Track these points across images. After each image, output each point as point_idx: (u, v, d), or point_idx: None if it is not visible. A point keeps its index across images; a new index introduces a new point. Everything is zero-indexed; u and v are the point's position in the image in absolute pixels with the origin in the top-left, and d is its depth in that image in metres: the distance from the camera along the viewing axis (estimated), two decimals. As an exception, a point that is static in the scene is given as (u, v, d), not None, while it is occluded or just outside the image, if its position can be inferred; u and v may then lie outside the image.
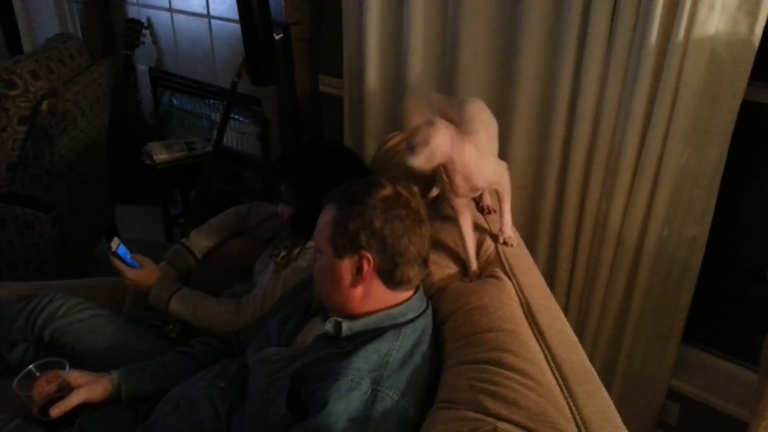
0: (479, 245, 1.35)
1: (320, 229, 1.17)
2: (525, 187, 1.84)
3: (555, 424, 0.87)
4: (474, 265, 1.32)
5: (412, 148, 1.15)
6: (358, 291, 1.13)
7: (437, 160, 1.17)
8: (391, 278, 1.13)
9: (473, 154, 1.20)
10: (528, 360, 1.00)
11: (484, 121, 1.31)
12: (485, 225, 1.40)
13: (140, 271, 1.62)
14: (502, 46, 1.86)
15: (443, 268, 1.35)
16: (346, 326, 1.12)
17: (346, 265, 1.13)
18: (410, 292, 1.18)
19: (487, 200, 1.46)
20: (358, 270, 1.12)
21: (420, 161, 1.15)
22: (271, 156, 2.78)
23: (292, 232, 1.66)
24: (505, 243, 1.36)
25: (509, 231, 1.37)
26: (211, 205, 2.64)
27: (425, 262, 1.18)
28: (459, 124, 1.24)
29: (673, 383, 1.90)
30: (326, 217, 1.16)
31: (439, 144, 1.15)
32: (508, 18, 1.81)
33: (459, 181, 1.24)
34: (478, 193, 1.36)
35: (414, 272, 1.15)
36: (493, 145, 1.32)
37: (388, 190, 1.13)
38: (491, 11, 1.83)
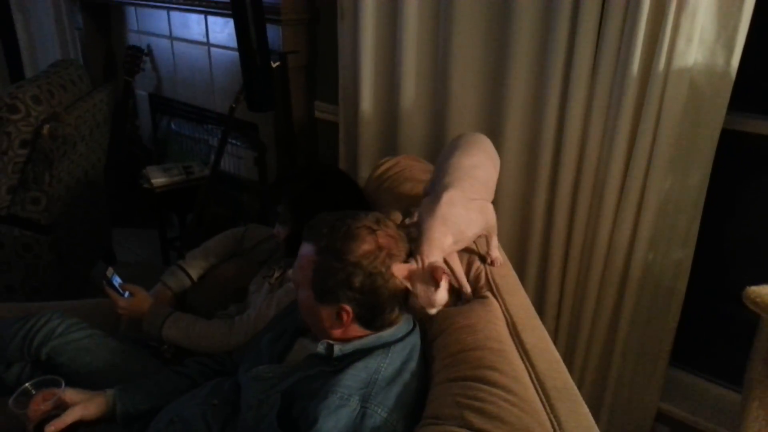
0: (468, 267, 1.38)
1: (301, 266, 1.16)
2: None
3: (537, 438, 0.90)
4: (468, 289, 1.34)
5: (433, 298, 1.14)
6: (338, 331, 1.16)
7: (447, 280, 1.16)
8: (370, 324, 1.16)
9: (449, 240, 1.19)
10: (512, 377, 1.03)
11: (464, 168, 1.31)
12: (473, 247, 1.44)
13: (132, 300, 1.65)
14: (491, 75, 1.92)
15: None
16: (338, 348, 1.14)
17: (326, 311, 1.14)
18: (391, 328, 1.19)
19: None
20: (338, 317, 1.13)
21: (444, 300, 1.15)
22: (267, 180, 2.82)
23: (287, 253, 1.69)
24: (491, 263, 1.39)
25: (496, 253, 1.40)
26: (207, 228, 2.67)
27: (405, 302, 1.18)
28: (436, 183, 1.28)
29: (662, 406, 1.92)
30: (306, 256, 1.15)
31: (443, 298, 1.14)
32: (497, 48, 1.87)
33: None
34: None
35: (394, 315, 1.17)
36: (480, 189, 1.32)
37: (368, 245, 1.11)
38: (480, 41, 1.89)
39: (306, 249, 1.16)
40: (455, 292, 1.37)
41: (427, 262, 1.13)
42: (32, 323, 1.53)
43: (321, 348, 1.15)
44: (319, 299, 1.14)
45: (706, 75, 1.53)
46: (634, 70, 1.56)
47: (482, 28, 1.88)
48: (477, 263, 1.40)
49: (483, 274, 1.37)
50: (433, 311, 1.15)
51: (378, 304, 1.13)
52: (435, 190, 1.27)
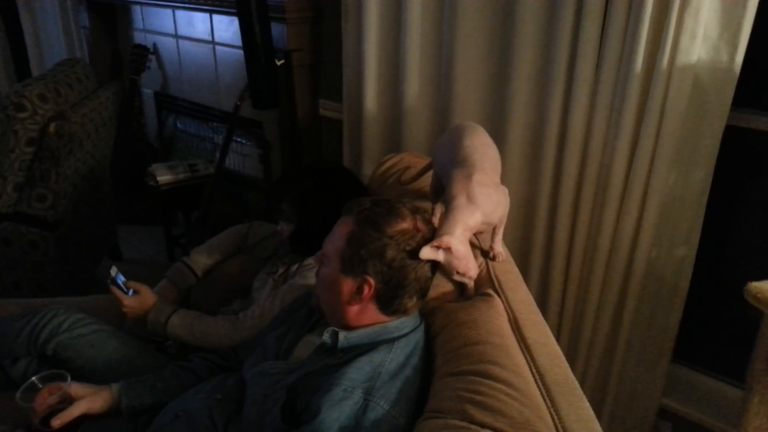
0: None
1: (334, 239, 1.19)
2: None
3: (537, 432, 0.91)
4: (471, 283, 1.33)
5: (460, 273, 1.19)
6: (354, 308, 1.17)
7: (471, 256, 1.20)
8: (388, 306, 1.17)
9: (477, 218, 1.20)
10: (513, 371, 1.04)
11: (480, 149, 1.33)
12: (475, 241, 1.44)
13: (136, 298, 1.66)
14: (494, 73, 1.92)
15: (437, 286, 1.37)
16: (343, 336, 1.15)
17: (348, 283, 1.16)
18: (399, 321, 1.20)
19: None
20: (358, 290, 1.15)
21: (472, 271, 1.21)
22: (272, 178, 2.83)
23: (291, 250, 1.70)
24: (494, 258, 1.40)
25: (499, 248, 1.41)
26: (212, 225, 2.69)
27: (425, 294, 1.21)
28: (458, 164, 1.28)
29: (665, 402, 1.92)
30: (343, 229, 1.17)
31: (463, 251, 1.17)
32: (501, 46, 1.87)
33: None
34: None
35: (412, 303, 1.19)
36: (497, 171, 1.34)
37: (407, 223, 1.15)
38: (484, 39, 1.90)
39: (343, 221, 1.19)
40: (458, 286, 1.37)
41: (443, 236, 1.14)
42: (38, 319, 1.55)
43: (326, 336, 1.16)
44: (346, 270, 1.15)
45: (710, 72, 1.53)
46: (638, 67, 1.56)
47: (486, 27, 1.88)
48: (480, 258, 1.40)
49: (485, 270, 1.37)
50: (473, 272, 1.21)
51: (401, 285, 1.15)
52: (464, 168, 1.26)
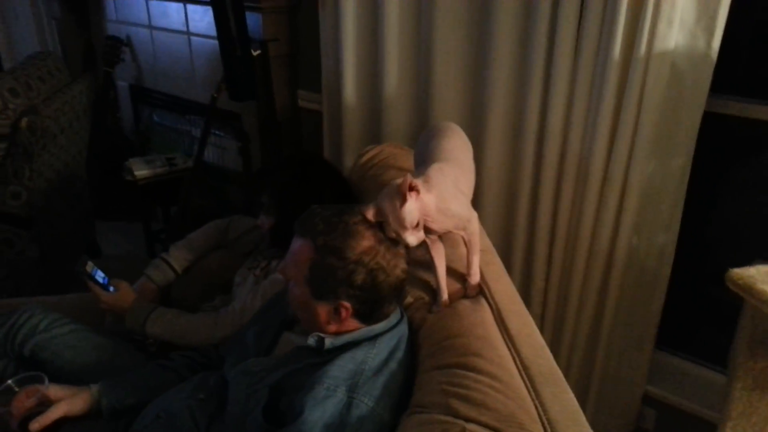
0: (451, 254, 1.37)
1: (295, 262, 1.14)
2: None
3: (522, 424, 0.91)
4: (445, 294, 1.26)
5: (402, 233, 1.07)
6: (334, 326, 1.15)
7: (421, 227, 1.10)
8: (369, 318, 1.15)
9: (431, 199, 1.11)
10: (497, 363, 1.04)
11: (451, 151, 1.26)
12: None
13: (115, 295, 1.63)
14: (473, 62, 1.91)
15: (417, 285, 1.36)
16: (329, 342, 1.13)
17: (323, 306, 1.13)
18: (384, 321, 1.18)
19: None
20: (335, 311, 1.12)
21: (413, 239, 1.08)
22: (251, 170, 2.80)
23: (271, 243, 1.68)
24: (468, 291, 1.29)
25: (477, 278, 1.29)
26: (192, 220, 2.65)
27: (401, 292, 1.18)
28: (426, 159, 1.22)
29: (649, 389, 1.94)
30: (302, 254, 1.12)
31: (412, 213, 1.06)
32: (479, 34, 1.86)
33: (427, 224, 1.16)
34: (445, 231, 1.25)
35: (391, 308, 1.17)
36: (464, 180, 1.26)
37: (368, 241, 1.09)
38: (462, 28, 1.88)
39: (300, 245, 1.13)
40: (432, 293, 1.31)
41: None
42: (15, 319, 1.52)
43: (311, 341, 1.14)
44: (317, 296, 1.12)
45: (687, 58, 1.53)
46: (616, 54, 1.56)
47: (464, 15, 1.86)
48: (461, 249, 1.39)
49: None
50: (408, 237, 1.06)
51: (378, 299, 1.12)
52: (423, 166, 1.20)
